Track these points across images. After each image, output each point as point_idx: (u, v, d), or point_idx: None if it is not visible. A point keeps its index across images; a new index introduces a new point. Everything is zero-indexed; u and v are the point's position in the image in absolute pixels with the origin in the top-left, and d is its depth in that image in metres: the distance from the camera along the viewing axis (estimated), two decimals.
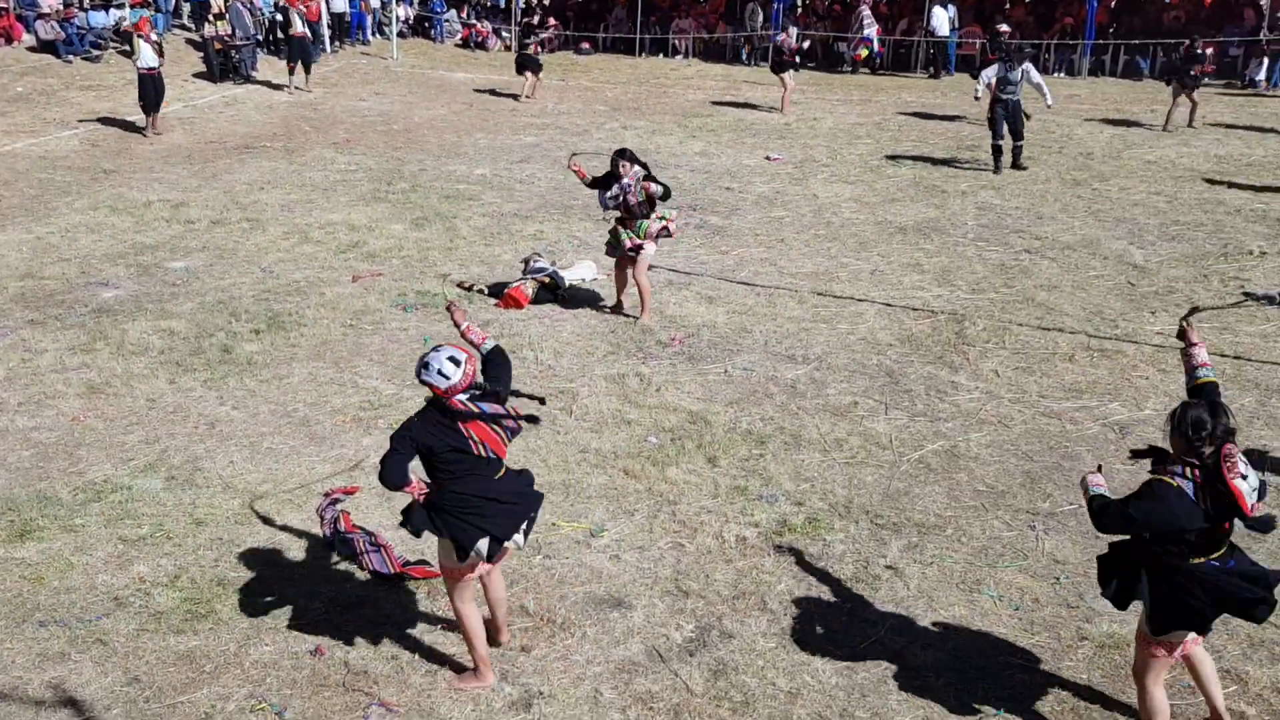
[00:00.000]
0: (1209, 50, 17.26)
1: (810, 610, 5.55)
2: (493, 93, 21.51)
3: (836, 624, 5.44)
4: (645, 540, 6.17)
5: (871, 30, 24.35)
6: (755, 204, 13.39)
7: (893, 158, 15.95)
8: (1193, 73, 17.33)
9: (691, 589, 5.71)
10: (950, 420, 7.63)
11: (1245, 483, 4.08)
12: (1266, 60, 22.45)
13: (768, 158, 15.96)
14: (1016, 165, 14.94)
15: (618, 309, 9.66)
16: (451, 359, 4.61)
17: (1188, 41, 17.88)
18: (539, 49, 21.14)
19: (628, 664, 5.14)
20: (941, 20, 24.08)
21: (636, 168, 9.06)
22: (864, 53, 24.59)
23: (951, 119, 18.92)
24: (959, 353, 8.77)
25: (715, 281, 10.49)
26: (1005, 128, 14.75)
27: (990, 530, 6.28)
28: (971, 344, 8.92)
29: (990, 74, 15.21)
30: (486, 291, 10.07)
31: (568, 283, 10.17)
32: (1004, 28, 19.45)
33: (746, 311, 9.70)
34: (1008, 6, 26.26)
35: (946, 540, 6.18)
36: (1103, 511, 4.24)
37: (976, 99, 16.43)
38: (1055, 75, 23.98)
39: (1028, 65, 14.72)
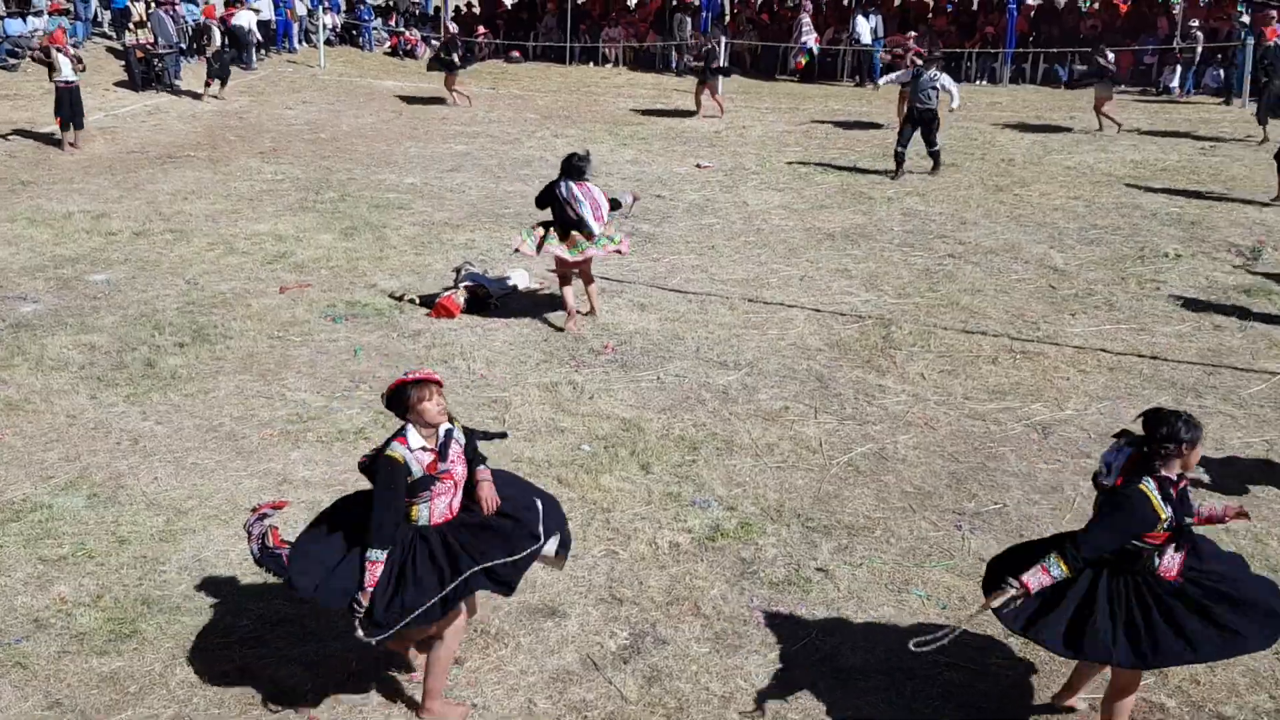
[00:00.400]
0: (1100, 58, 18.05)
1: (743, 614, 5.59)
2: (422, 101, 21.37)
3: (769, 627, 5.50)
4: (579, 548, 6.15)
5: (810, 38, 24.77)
6: (686, 211, 13.48)
7: (820, 165, 16.15)
8: (1101, 74, 17.99)
9: (625, 596, 5.73)
10: (878, 423, 7.75)
11: None
12: (1179, 68, 23.17)
13: (698, 165, 16.07)
14: (935, 169, 15.22)
15: (590, 313, 9.65)
16: None
17: (1092, 51, 18.81)
18: (456, 54, 21.00)
19: (562, 673, 5.14)
20: (864, 29, 24.48)
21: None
22: (804, 60, 25.06)
23: (877, 127, 19.21)
24: (886, 356, 8.91)
25: (647, 289, 10.54)
26: (911, 135, 14.89)
27: (918, 531, 6.39)
28: (898, 348, 9.07)
29: (895, 76, 15.62)
30: (418, 301, 10.00)
31: (522, 287, 10.25)
32: (911, 34, 19.93)
33: (678, 318, 9.76)
34: (930, 15, 26.78)
35: (875, 541, 6.27)
36: None
37: (876, 87, 17.18)
38: (977, 83, 24.52)
39: (934, 72, 14.75)
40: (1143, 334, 9.45)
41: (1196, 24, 23.06)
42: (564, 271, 9.38)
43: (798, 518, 6.51)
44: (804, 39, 24.99)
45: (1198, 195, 14.23)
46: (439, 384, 4.52)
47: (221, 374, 8.41)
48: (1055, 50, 24.38)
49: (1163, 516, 4.17)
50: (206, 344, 8.95)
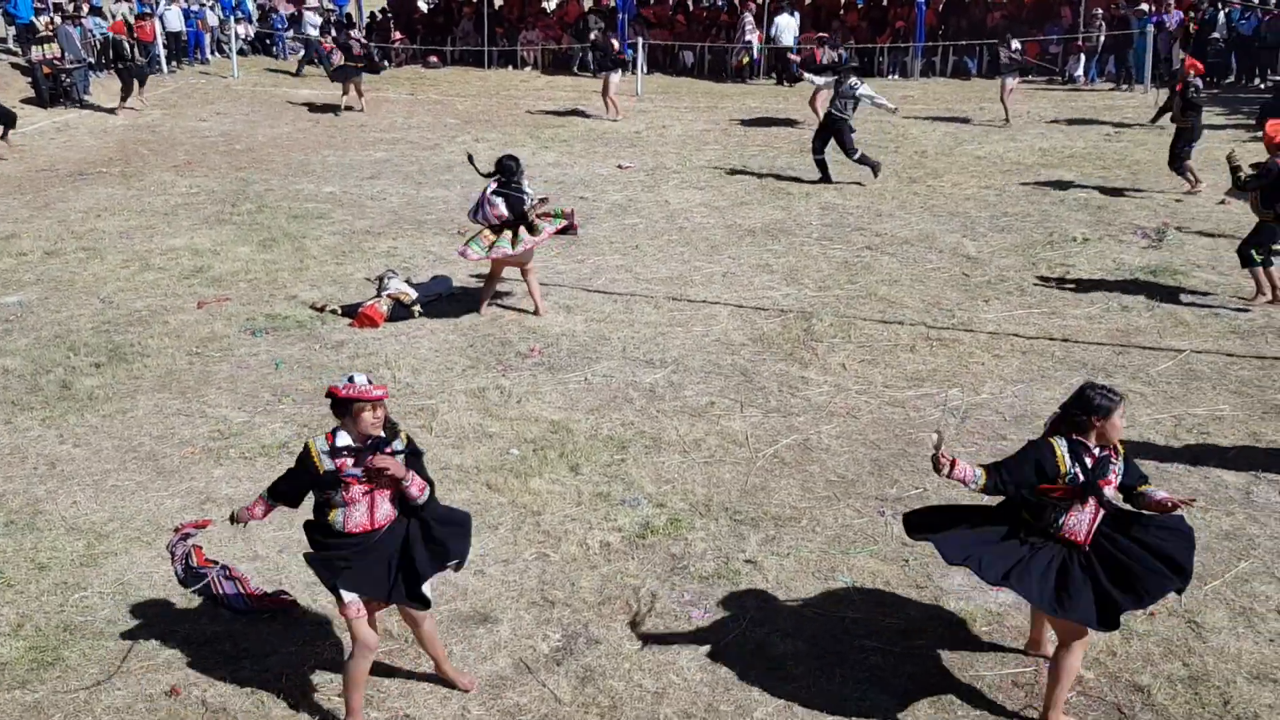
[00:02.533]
0: (1016, 43, 18.53)
1: (674, 610, 5.67)
2: (340, 109, 21.12)
3: (700, 621, 5.57)
4: (510, 553, 6.19)
5: (753, 37, 25.00)
6: (609, 212, 13.53)
7: (739, 163, 16.30)
8: (1013, 57, 18.37)
9: (557, 598, 5.76)
10: (802, 414, 7.88)
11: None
12: (1084, 56, 23.78)
13: (620, 166, 16.13)
14: (874, 173, 14.74)
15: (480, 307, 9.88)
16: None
17: (1000, 39, 19.19)
18: (363, 56, 20.81)
19: (495, 679, 5.16)
20: (788, 27, 24.56)
21: (491, 183, 9.44)
22: (746, 59, 25.30)
23: (794, 124, 19.43)
24: (808, 348, 9.05)
25: (573, 290, 10.57)
26: (825, 142, 14.54)
27: (842, 518, 6.52)
28: (819, 339, 9.22)
29: (823, 80, 15.55)
30: (340, 312, 9.92)
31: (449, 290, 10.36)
32: (821, 35, 20.12)
33: (604, 319, 9.81)
34: (842, 12, 27.15)
35: (802, 531, 6.39)
36: None
37: (814, 83, 16.59)
38: (889, 78, 24.89)
39: (854, 81, 14.42)
40: (1054, 317, 9.72)
41: (1099, 13, 23.68)
42: (498, 270, 9.72)
43: (726, 511, 6.60)
44: (748, 38, 25.19)
45: (1104, 181, 14.65)
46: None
47: (140, 393, 8.27)
48: (964, 43, 24.87)
49: (1063, 470, 4.49)
50: (123, 363, 8.79)
